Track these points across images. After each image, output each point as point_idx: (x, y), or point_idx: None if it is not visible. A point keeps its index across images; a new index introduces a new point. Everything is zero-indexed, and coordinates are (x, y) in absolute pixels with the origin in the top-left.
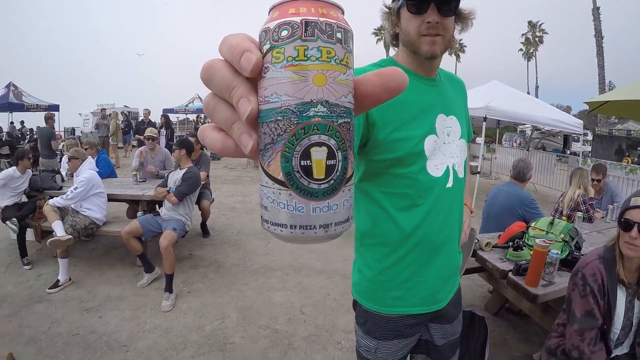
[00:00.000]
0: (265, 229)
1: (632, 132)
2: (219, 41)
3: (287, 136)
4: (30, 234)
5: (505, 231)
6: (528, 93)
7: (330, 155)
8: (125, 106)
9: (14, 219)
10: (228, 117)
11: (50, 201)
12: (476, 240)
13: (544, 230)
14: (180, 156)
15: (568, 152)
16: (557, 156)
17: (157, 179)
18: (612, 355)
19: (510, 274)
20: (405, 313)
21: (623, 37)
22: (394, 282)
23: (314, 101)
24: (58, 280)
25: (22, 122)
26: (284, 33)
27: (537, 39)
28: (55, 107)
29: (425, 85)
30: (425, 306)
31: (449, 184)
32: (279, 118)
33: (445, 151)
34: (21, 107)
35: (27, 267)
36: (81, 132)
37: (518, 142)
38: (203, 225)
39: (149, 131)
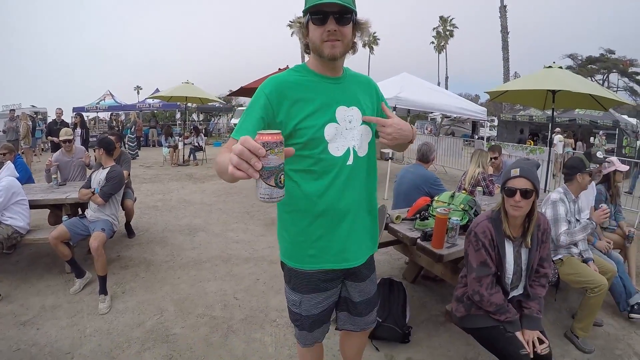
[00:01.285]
0: (263, 201)
1: (533, 117)
2: (130, 37)
3: (276, 172)
4: None
5: (412, 206)
6: (439, 84)
7: (284, 177)
8: (32, 106)
9: None
10: (245, 166)
11: None
12: (387, 215)
13: (445, 202)
14: (100, 155)
15: (476, 137)
16: (464, 141)
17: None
18: (510, 296)
19: (418, 240)
20: (319, 269)
21: (527, 32)
22: (308, 242)
23: (282, 164)
24: None
25: None
26: (274, 144)
27: (447, 33)
28: None
29: (328, 84)
30: (336, 263)
31: (349, 162)
32: (273, 169)
33: (346, 136)
34: None
35: None
36: None
37: (429, 129)
38: (127, 225)
39: (65, 133)
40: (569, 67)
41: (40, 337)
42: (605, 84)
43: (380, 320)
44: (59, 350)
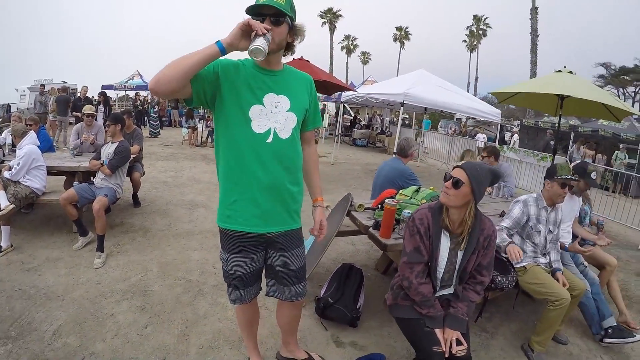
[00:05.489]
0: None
1: (556, 125)
2: (165, 19)
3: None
4: None
5: (378, 197)
6: (468, 84)
7: None
8: (63, 82)
9: None
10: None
11: None
12: (352, 203)
13: (408, 196)
14: (115, 131)
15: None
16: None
17: (92, 149)
18: (440, 294)
19: (370, 229)
20: (233, 229)
21: (560, 37)
22: (226, 202)
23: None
24: (0, 247)
25: None
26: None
27: (480, 32)
28: None
29: (263, 74)
30: (247, 227)
31: (269, 140)
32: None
33: (271, 118)
34: None
35: None
36: (17, 107)
37: (453, 129)
38: (134, 196)
39: (88, 109)
40: (600, 77)
41: (40, 281)
42: (638, 96)
43: (332, 302)
44: (54, 293)
